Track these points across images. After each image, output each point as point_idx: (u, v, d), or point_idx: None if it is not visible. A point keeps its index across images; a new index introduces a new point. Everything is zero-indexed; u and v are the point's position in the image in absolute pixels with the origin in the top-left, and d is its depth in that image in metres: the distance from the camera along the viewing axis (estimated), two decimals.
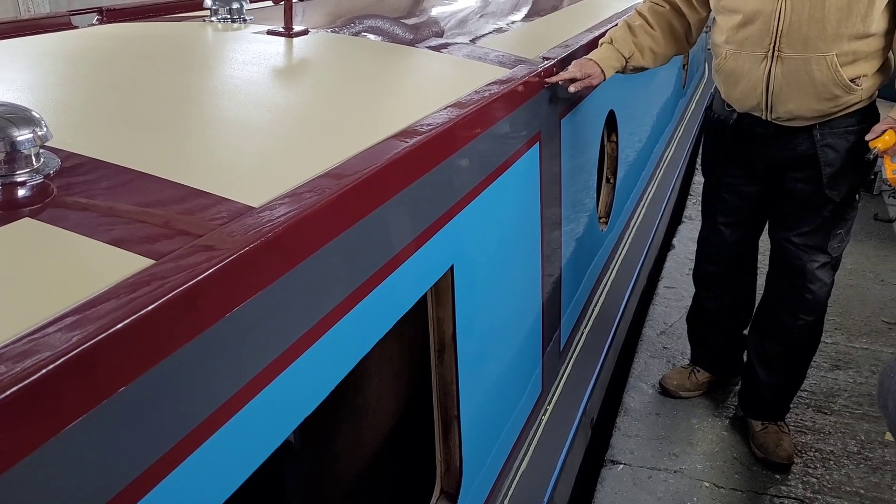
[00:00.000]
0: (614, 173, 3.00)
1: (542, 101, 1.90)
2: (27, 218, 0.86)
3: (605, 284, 2.79)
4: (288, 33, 1.92)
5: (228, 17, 2.11)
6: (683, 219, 4.06)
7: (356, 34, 2.20)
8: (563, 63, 2.06)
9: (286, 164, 1.14)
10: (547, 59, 2.01)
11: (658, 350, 2.81)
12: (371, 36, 2.23)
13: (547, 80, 1.91)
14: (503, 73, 1.82)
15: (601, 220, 2.87)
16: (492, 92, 1.58)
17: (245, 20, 2.11)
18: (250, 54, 1.78)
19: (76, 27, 2.11)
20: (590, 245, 2.62)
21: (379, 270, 1.14)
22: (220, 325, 0.78)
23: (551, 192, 2.03)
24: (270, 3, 2.57)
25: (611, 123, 2.87)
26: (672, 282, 3.31)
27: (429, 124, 1.32)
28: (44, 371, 0.59)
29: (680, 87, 5.13)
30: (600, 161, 2.77)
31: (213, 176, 1.04)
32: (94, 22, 2.20)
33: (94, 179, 0.98)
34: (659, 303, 3.13)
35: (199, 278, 0.75)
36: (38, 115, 0.95)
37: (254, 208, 0.93)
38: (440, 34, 2.56)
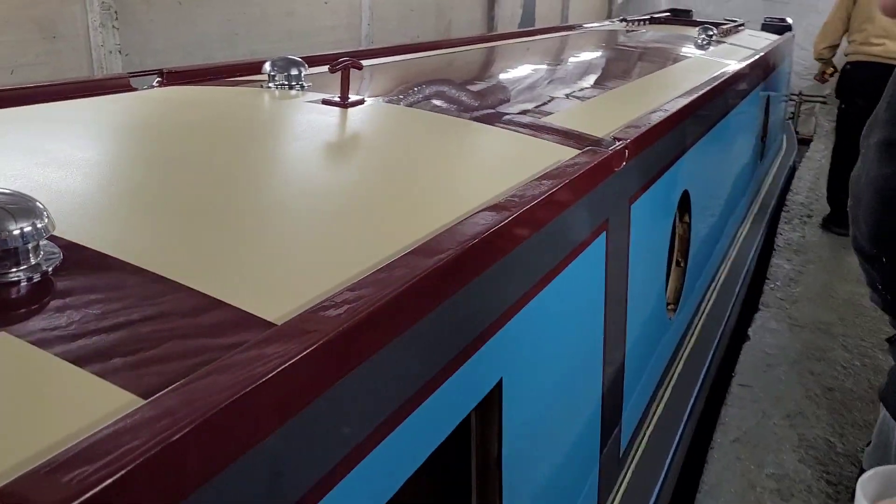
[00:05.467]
0: (685, 256, 2.80)
1: (611, 186, 1.74)
2: (3, 333, 0.74)
3: (671, 379, 2.56)
4: (343, 103, 1.85)
5: (286, 83, 2.06)
6: (760, 306, 3.77)
7: (413, 104, 2.11)
8: (636, 144, 1.90)
9: (316, 267, 1.01)
10: (618, 139, 1.86)
11: (731, 461, 2.54)
12: (431, 106, 2.13)
13: None
14: (569, 154, 1.68)
15: (669, 307, 2.67)
16: (555, 180, 1.43)
17: (303, 87, 2.06)
18: (301, 127, 1.71)
19: (135, 89, 2.08)
20: (655, 336, 2.41)
21: (422, 387, 0.99)
22: (240, 463, 0.65)
23: (617, 284, 1.85)
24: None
25: (684, 204, 2.69)
26: (747, 379, 3.03)
27: (481, 220, 1.18)
28: None
29: (757, 161, 4.91)
30: (671, 243, 2.58)
31: (232, 281, 0.91)
32: (154, 84, 2.17)
33: (95, 282, 0.86)
34: (733, 403, 2.86)
35: (193, 425, 0.61)
36: (41, 206, 0.84)
37: (275, 325, 0.80)
38: (507, 101, 2.45)
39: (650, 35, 5.02)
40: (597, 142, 1.83)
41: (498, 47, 3.82)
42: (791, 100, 8.22)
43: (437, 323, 1.01)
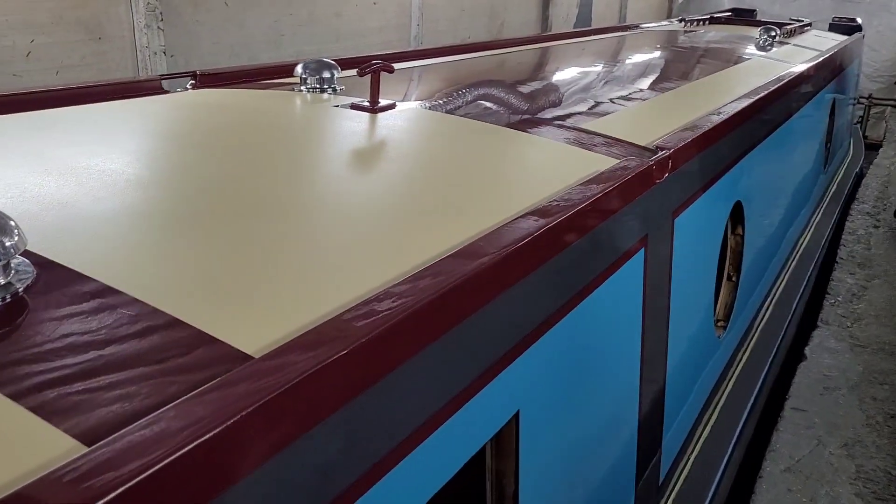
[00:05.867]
0: (738, 270, 2.64)
1: (652, 198, 1.62)
2: None
3: (718, 402, 2.41)
4: (372, 108, 1.78)
5: (318, 86, 2.01)
6: (819, 323, 3.56)
7: (448, 110, 2.02)
8: (682, 153, 1.78)
9: (315, 288, 0.94)
10: (661, 148, 1.74)
11: (781, 492, 2.38)
12: (465, 112, 2.05)
13: None
14: (607, 163, 1.57)
15: (718, 325, 2.52)
16: (586, 194, 1.33)
17: (335, 90, 2.00)
18: (325, 133, 1.65)
19: (167, 91, 2.06)
20: (702, 355, 2.27)
21: (433, 416, 0.91)
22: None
23: (657, 303, 1.73)
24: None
25: (737, 215, 2.53)
26: (802, 402, 2.85)
27: (500, 236, 1.09)
28: None
29: (820, 168, 4.66)
30: (721, 256, 2.43)
31: (216, 309, 0.85)
32: (187, 87, 2.15)
33: (64, 306, 0.81)
34: (785, 428, 2.69)
35: (142, 476, 0.55)
36: (13, 224, 0.80)
37: (252, 357, 0.74)
38: (548, 106, 2.35)
39: (709, 36, 4.82)
40: (639, 150, 1.71)
41: (547, 49, 3.70)
42: (860, 103, 7.86)
43: (453, 346, 0.93)
